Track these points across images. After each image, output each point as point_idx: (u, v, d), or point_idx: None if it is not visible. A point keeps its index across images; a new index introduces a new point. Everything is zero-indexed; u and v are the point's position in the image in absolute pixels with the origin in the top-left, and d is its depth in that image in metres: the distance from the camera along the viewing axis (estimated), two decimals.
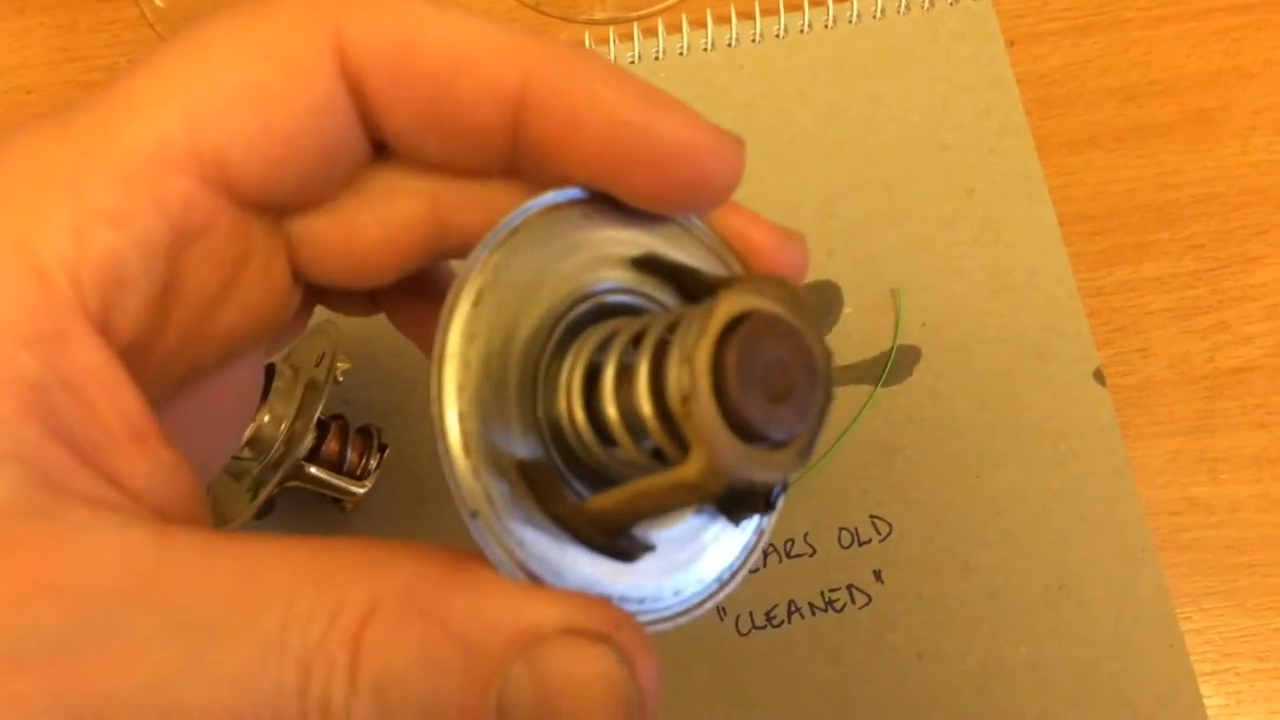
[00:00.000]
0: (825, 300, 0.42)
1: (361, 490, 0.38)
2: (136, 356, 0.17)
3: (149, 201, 0.17)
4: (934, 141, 0.43)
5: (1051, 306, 0.41)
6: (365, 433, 0.39)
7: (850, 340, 0.41)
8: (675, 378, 0.16)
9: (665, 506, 0.17)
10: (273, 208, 0.19)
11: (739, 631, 0.38)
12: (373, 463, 0.38)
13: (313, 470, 0.36)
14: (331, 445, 0.38)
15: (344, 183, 0.20)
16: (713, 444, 0.15)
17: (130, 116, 0.17)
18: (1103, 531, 0.39)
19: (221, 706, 0.15)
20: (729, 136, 0.19)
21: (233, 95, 0.17)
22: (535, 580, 0.17)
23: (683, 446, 0.16)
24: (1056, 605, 0.38)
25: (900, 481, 0.40)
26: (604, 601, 0.17)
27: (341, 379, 0.38)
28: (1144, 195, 0.44)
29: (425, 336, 0.24)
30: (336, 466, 0.37)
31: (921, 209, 0.43)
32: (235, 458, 0.35)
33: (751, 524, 0.20)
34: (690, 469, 0.16)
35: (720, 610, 0.39)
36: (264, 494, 0.35)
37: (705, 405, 0.15)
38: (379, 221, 0.21)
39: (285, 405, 0.35)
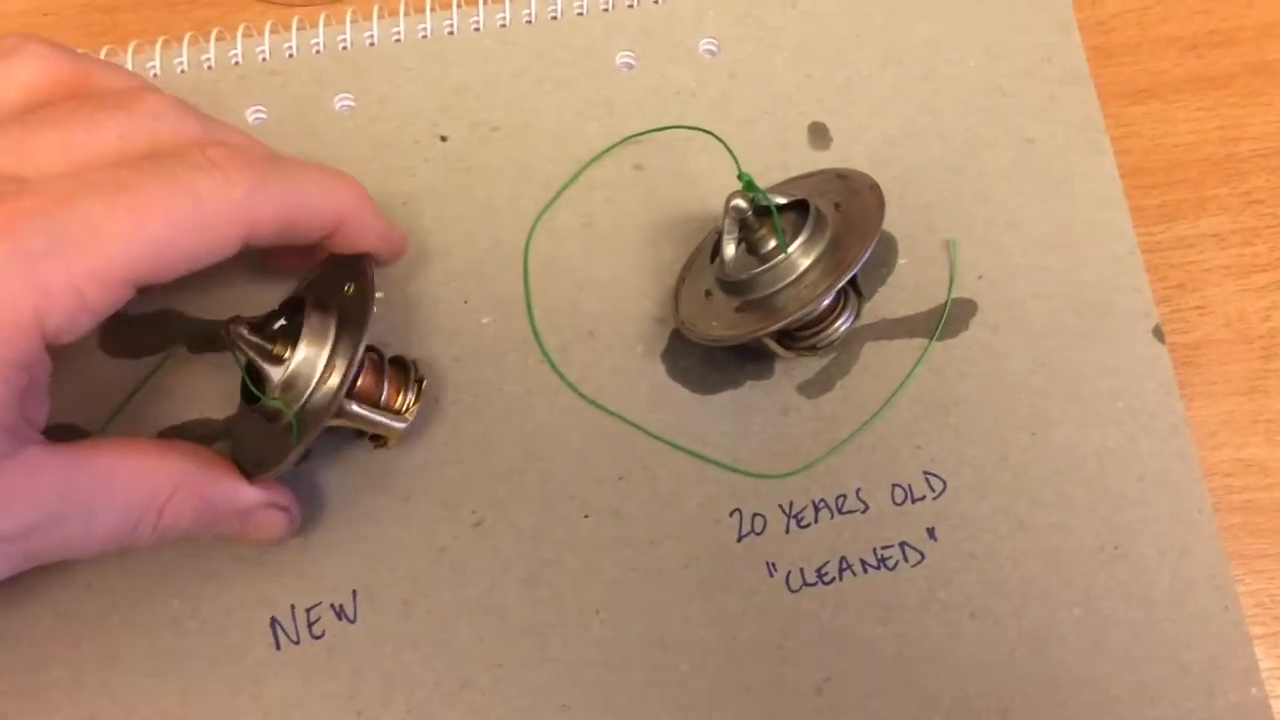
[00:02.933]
0: (879, 251, 0.40)
1: (403, 426, 0.36)
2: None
3: (110, 303, 0.29)
4: (992, 88, 0.42)
5: (1111, 261, 0.40)
6: (399, 365, 0.37)
7: (904, 292, 0.40)
8: None
9: None
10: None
11: (789, 588, 0.38)
12: (411, 396, 0.37)
13: (354, 408, 0.35)
14: (367, 380, 0.36)
15: None
16: None
17: (123, 252, 0.28)
18: (1159, 492, 0.38)
19: (106, 536, 0.31)
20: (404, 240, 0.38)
21: (181, 252, 0.30)
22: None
23: None
24: (1111, 566, 0.38)
25: (954, 438, 0.39)
26: (282, 488, 0.36)
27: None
28: (1203, 149, 0.43)
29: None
30: (374, 402, 0.36)
31: (979, 158, 0.41)
32: (268, 398, 0.34)
33: None
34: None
35: (770, 566, 0.38)
36: (311, 436, 0.33)
37: None
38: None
39: (319, 342, 0.34)
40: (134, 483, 0.31)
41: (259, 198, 0.30)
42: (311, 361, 0.34)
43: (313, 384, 0.34)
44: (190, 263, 0.30)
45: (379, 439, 0.37)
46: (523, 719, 0.36)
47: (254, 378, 0.34)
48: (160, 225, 0.28)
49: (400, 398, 0.37)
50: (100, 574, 0.37)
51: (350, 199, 0.34)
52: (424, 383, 0.38)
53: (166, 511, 0.32)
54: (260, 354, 0.33)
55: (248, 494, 0.34)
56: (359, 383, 0.36)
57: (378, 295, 0.36)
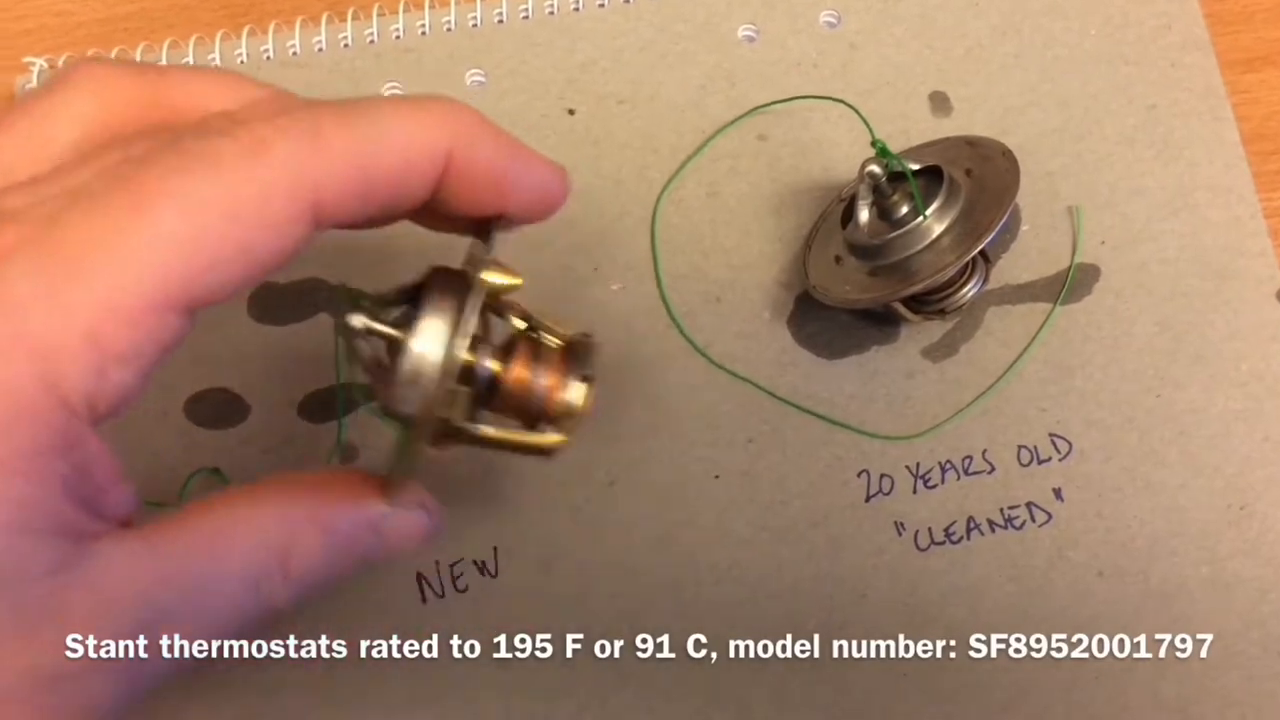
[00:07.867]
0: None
1: (552, 442, 0.28)
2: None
3: (151, 340, 0.23)
4: (1113, 56, 0.43)
5: (1234, 226, 0.41)
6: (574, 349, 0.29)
7: (1027, 258, 0.41)
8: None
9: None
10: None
11: (918, 547, 0.38)
12: (571, 393, 0.28)
13: (480, 428, 0.27)
14: (515, 371, 0.28)
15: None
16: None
17: (136, 268, 0.22)
18: None
19: (230, 616, 0.25)
20: (562, 170, 0.29)
21: (223, 251, 0.23)
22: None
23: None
24: (1238, 525, 0.38)
25: (1080, 400, 0.39)
26: (415, 486, 0.28)
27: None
28: None
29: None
30: (523, 404, 0.28)
31: (1101, 125, 0.42)
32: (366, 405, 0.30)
33: None
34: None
35: (899, 525, 0.39)
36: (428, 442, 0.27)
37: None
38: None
39: (437, 332, 0.25)
40: (239, 544, 0.25)
41: (316, 155, 0.23)
42: (421, 358, 0.25)
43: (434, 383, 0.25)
44: (246, 266, 0.23)
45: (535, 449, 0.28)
46: (656, 673, 0.37)
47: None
48: (177, 221, 0.22)
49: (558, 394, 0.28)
50: None
51: (454, 129, 0.26)
52: (590, 381, 0.28)
53: (293, 560, 0.26)
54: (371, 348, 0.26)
55: (375, 505, 0.27)
56: (508, 371, 0.27)
57: (513, 281, 0.28)
